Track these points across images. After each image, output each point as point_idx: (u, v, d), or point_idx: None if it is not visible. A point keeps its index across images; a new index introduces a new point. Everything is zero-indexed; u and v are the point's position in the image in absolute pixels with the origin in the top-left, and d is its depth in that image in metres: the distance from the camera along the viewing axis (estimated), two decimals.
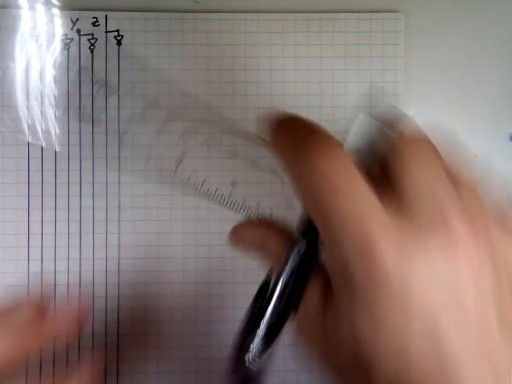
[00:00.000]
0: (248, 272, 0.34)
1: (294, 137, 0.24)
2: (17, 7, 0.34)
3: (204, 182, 0.33)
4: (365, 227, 0.22)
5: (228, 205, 0.32)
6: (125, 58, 0.34)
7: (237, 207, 0.32)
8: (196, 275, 0.34)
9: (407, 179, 0.23)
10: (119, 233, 0.34)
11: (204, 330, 0.34)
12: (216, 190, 0.33)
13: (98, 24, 0.34)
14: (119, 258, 0.34)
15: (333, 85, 0.34)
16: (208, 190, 0.33)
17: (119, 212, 0.34)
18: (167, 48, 0.34)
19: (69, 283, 0.33)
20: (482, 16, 0.35)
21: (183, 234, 0.34)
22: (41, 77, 0.34)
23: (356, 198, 0.23)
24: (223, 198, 0.32)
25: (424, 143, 0.24)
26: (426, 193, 0.23)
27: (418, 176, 0.23)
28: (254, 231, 0.28)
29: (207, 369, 0.34)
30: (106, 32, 0.34)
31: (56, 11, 0.34)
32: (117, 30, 0.34)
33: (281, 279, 0.25)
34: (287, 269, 0.24)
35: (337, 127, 0.34)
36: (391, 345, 0.22)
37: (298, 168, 0.23)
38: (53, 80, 0.33)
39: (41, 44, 0.34)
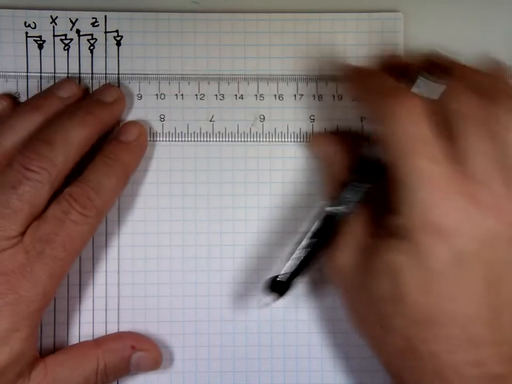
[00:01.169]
0: (248, 272, 0.34)
1: (375, 89, 0.28)
2: (17, 7, 0.34)
3: None
4: (432, 184, 0.25)
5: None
6: (125, 58, 0.34)
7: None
8: (195, 275, 0.34)
9: (471, 150, 0.26)
10: (118, 233, 0.34)
11: (203, 330, 0.34)
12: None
13: (98, 25, 0.34)
14: (118, 259, 0.34)
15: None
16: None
17: (118, 212, 0.34)
18: (166, 48, 0.34)
19: (69, 283, 0.33)
20: (483, 16, 0.35)
21: (182, 234, 0.34)
22: (41, 77, 0.34)
23: (426, 154, 0.26)
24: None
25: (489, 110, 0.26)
26: (488, 166, 0.26)
27: (481, 151, 0.26)
28: (329, 143, 0.33)
29: (207, 369, 0.34)
30: (106, 32, 0.34)
31: (55, 11, 0.34)
32: (117, 31, 0.34)
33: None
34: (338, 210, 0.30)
35: (333, 128, 0.34)
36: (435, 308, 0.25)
37: (379, 114, 0.27)
38: (52, 80, 0.34)
39: (40, 45, 0.34)
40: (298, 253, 0.30)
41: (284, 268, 0.30)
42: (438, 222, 0.25)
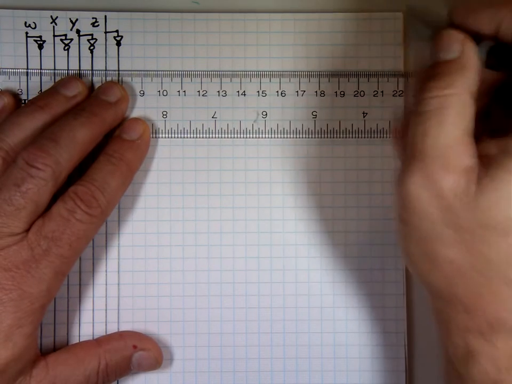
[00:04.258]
0: (248, 272, 0.34)
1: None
2: (17, 7, 0.34)
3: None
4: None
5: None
6: (125, 58, 0.34)
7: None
8: (195, 275, 0.34)
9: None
10: (118, 233, 0.34)
11: (203, 330, 0.34)
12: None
13: (98, 25, 0.34)
14: (118, 259, 0.34)
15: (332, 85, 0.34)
16: None
17: (118, 212, 0.34)
18: (166, 48, 0.34)
19: (69, 283, 0.33)
20: None
21: (182, 234, 0.34)
22: (41, 78, 0.34)
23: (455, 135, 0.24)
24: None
25: None
26: None
27: None
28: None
29: (207, 369, 0.34)
30: (106, 32, 0.34)
31: (55, 12, 0.34)
32: (117, 31, 0.34)
33: None
34: None
35: (335, 125, 0.34)
36: None
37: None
38: (53, 81, 0.34)
39: (40, 45, 0.34)
40: None
41: None
42: None
